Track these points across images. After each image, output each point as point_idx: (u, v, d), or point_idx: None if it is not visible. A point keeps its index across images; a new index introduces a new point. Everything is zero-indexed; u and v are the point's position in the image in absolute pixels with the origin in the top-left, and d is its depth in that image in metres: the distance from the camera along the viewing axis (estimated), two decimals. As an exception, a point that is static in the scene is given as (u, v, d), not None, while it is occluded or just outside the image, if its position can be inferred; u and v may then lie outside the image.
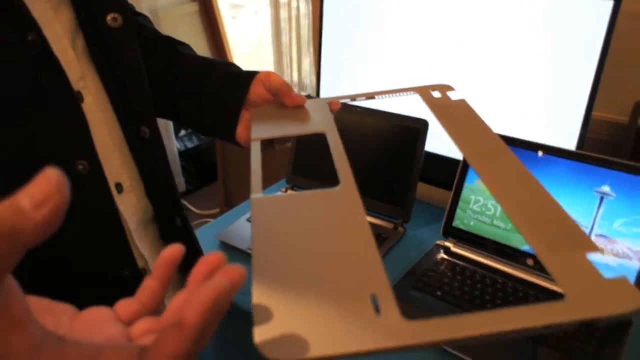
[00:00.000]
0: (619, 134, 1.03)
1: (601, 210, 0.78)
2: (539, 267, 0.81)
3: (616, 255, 0.77)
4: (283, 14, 2.03)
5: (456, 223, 0.91)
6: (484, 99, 0.96)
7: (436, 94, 0.54)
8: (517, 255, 0.84)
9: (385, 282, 0.32)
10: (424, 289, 0.82)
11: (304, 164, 1.10)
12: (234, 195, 2.11)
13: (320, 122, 0.55)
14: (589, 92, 0.85)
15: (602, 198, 0.78)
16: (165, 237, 0.65)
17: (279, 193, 1.07)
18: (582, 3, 0.84)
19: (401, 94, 0.57)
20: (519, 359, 0.70)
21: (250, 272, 0.33)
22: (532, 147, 0.84)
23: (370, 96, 0.58)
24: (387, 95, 0.57)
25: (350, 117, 1.02)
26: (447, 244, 0.91)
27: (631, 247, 0.75)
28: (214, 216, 1.10)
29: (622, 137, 0.99)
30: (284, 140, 0.56)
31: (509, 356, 0.70)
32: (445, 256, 0.89)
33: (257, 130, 0.54)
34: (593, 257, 0.32)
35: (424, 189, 1.01)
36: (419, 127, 0.94)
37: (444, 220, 0.92)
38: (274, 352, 0.28)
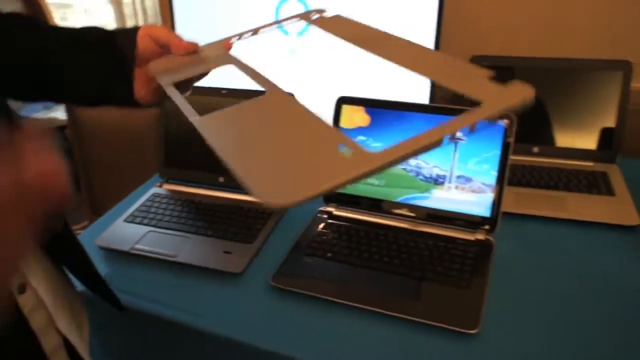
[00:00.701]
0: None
1: (457, 154, 0.88)
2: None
3: (475, 191, 0.87)
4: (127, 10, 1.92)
5: (335, 188, 0.96)
6: (347, 66, 1.01)
7: (315, 16, 0.61)
8: (392, 207, 0.91)
9: (343, 135, 0.39)
10: (315, 254, 0.85)
11: (177, 154, 1.08)
12: (101, 203, 1.98)
13: (221, 59, 0.57)
14: (433, 49, 0.94)
15: (455, 143, 0.88)
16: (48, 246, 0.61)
17: (145, 199, 1.03)
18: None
19: (285, 23, 0.64)
20: (405, 295, 0.76)
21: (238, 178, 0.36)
22: (397, 106, 0.91)
23: (255, 31, 0.64)
24: (272, 26, 0.64)
25: (215, 99, 1.01)
26: (329, 209, 0.96)
27: (485, 182, 0.86)
28: (84, 229, 1.03)
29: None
30: (189, 83, 0.57)
31: (396, 294, 0.76)
32: (329, 221, 0.93)
33: (163, 79, 0.55)
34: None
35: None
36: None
37: (323, 187, 0.96)
38: (273, 199, 0.32)
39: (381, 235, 0.88)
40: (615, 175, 1.01)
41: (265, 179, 0.36)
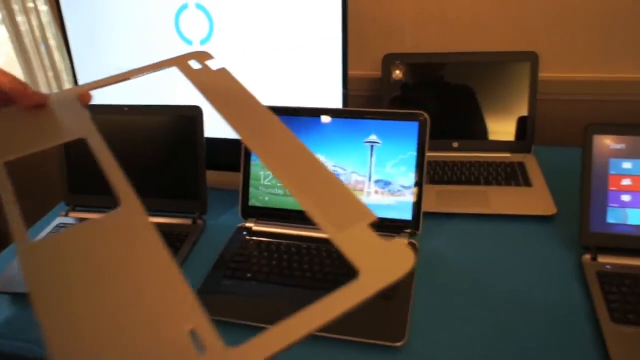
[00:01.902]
0: (375, 87, 1.14)
1: (373, 157, 0.85)
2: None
3: (394, 194, 0.84)
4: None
5: (252, 202, 0.91)
6: (255, 74, 0.96)
7: (195, 65, 0.51)
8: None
9: (198, 310, 0.30)
10: (234, 275, 0.80)
11: (82, 177, 0.99)
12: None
13: (74, 124, 0.46)
14: (341, 54, 0.91)
15: (372, 147, 0.85)
16: None
17: (50, 231, 0.94)
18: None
19: (157, 69, 0.53)
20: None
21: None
22: (307, 112, 0.87)
23: (124, 77, 0.52)
24: (143, 73, 0.52)
25: (118, 118, 0.94)
26: (247, 224, 0.91)
27: (403, 184, 0.84)
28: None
29: (378, 89, 1.09)
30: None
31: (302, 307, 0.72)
32: (248, 237, 0.88)
33: None
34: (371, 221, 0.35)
35: (214, 176, 0.99)
36: (194, 115, 0.90)
37: (239, 202, 0.91)
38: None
39: (303, 248, 0.84)
40: (532, 165, 1.02)
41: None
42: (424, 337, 0.69)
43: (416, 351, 0.67)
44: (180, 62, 0.52)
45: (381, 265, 0.32)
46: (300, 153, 0.41)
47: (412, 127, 0.83)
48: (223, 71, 0.50)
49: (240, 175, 0.90)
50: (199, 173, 0.92)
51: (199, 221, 0.94)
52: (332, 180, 0.38)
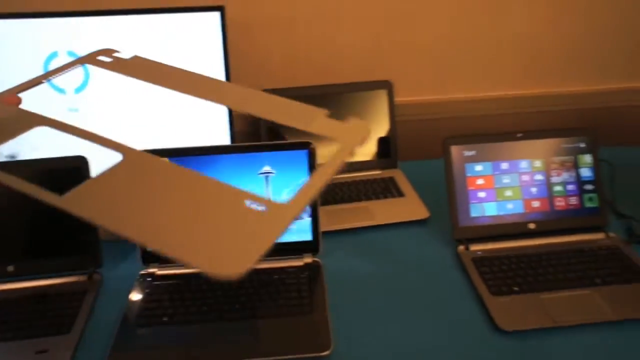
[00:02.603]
0: (257, 122, 1.20)
1: (269, 187, 0.90)
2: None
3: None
4: None
5: (153, 247, 0.89)
6: (137, 119, 0.96)
7: (106, 59, 0.54)
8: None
9: (244, 191, 0.38)
10: (149, 323, 0.78)
11: None
12: None
13: (22, 122, 0.46)
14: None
15: (267, 177, 0.90)
16: None
17: None
18: (194, 18, 0.93)
19: (70, 68, 0.54)
20: (253, 337, 0.75)
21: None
22: (199, 152, 0.89)
23: (39, 80, 0.52)
24: (57, 74, 0.53)
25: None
26: (150, 270, 0.89)
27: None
28: None
29: (259, 125, 1.15)
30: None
31: (244, 339, 0.75)
32: (155, 282, 0.87)
33: None
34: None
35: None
36: (79, 165, 0.87)
37: (138, 249, 0.89)
38: (228, 270, 0.31)
39: (213, 284, 0.85)
40: (401, 178, 1.16)
41: (204, 251, 0.34)
42: (347, 342, 0.75)
43: (343, 356, 0.73)
44: (90, 59, 0.54)
45: (350, 133, 0.45)
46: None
47: (302, 155, 0.90)
48: (138, 58, 0.54)
49: (137, 221, 0.89)
50: (89, 225, 0.88)
51: (96, 276, 0.90)
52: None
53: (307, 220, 0.90)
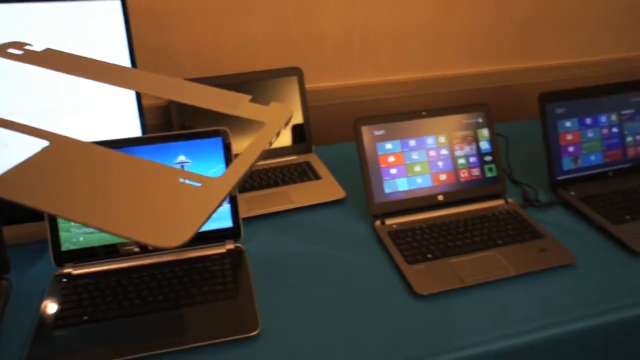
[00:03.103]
0: (166, 115, 1.18)
1: (187, 177, 0.90)
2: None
3: (213, 207, 0.91)
4: None
5: (66, 246, 0.86)
6: (47, 114, 0.91)
7: (17, 51, 0.53)
8: (129, 247, 0.88)
9: (177, 169, 0.41)
10: (67, 324, 0.75)
11: None
12: None
13: None
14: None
15: (182, 167, 0.90)
16: None
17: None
18: (95, 8, 0.89)
19: None
20: (179, 326, 0.75)
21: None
22: (110, 145, 0.86)
23: None
24: None
25: None
26: (65, 271, 0.85)
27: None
28: None
29: (169, 116, 1.13)
30: None
31: (170, 328, 0.75)
32: (71, 283, 0.83)
33: None
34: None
35: (13, 232, 0.90)
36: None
37: (50, 250, 0.85)
38: (170, 241, 0.34)
39: (134, 278, 0.84)
40: (316, 162, 1.19)
41: (146, 225, 0.36)
42: (275, 321, 0.77)
43: (272, 335, 0.74)
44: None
45: (275, 115, 0.49)
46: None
47: (217, 142, 0.90)
48: (50, 50, 0.53)
49: (46, 221, 0.85)
50: (-7, 230, 0.83)
51: (3, 282, 0.84)
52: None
53: (226, 207, 0.91)
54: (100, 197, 0.39)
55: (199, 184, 0.40)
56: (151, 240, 0.35)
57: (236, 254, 0.89)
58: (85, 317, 0.76)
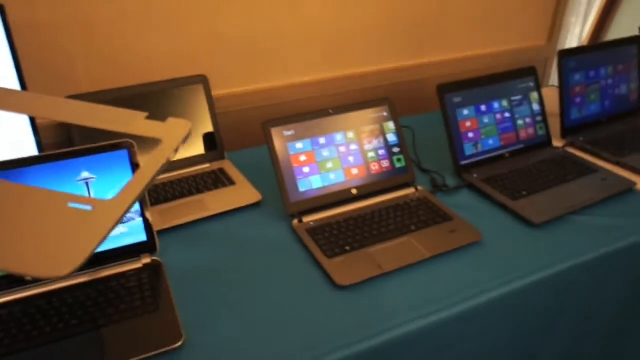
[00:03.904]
0: (65, 132, 1.12)
1: (92, 193, 0.86)
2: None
3: (125, 222, 0.87)
4: None
5: (-39, 281, 0.79)
6: None
7: None
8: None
9: (67, 194, 0.40)
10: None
11: None
12: None
13: None
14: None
15: (87, 183, 0.86)
16: None
17: None
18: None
19: None
20: (99, 349, 0.72)
21: None
22: (6, 166, 0.81)
23: None
24: None
25: None
26: (-37, 307, 0.79)
27: (136, 209, 0.87)
28: None
29: (70, 133, 1.08)
30: None
31: (90, 353, 0.71)
32: (-31, 320, 0.77)
33: None
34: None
35: None
36: None
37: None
38: (58, 270, 0.33)
39: (42, 306, 0.79)
40: (230, 168, 1.18)
41: (30, 257, 0.34)
42: (200, 330, 0.75)
43: (198, 343, 0.73)
44: None
45: (171, 131, 0.48)
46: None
47: (123, 155, 0.87)
48: None
49: None
50: None
51: None
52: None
53: (138, 221, 0.88)
54: None
55: (89, 208, 0.38)
56: (36, 272, 0.34)
57: (153, 268, 0.87)
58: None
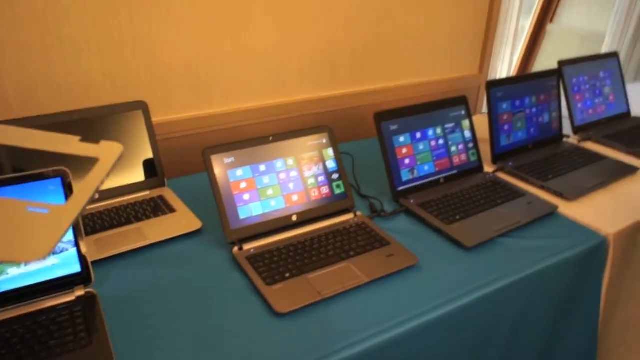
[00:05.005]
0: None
1: (22, 224, 0.83)
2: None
3: (56, 253, 0.84)
4: None
5: None
6: None
7: None
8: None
9: (25, 200, 0.44)
10: None
11: None
12: None
13: None
14: None
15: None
16: None
17: None
18: None
19: None
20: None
21: None
22: None
23: None
24: None
25: None
26: None
27: (63, 240, 0.85)
28: None
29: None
30: None
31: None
32: None
33: None
34: None
35: None
36: None
37: None
38: (33, 255, 0.38)
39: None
40: (170, 195, 1.17)
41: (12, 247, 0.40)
42: (133, 363, 0.73)
43: (131, 378, 0.71)
44: None
45: (105, 151, 0.52)
46: None
47: (57, 182, 0.85)
48: None
49: None
50: None
51: None
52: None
53: (72, 252, 0.85)
54: None
55: (46, 211, 0.43)
56: (15, 257, 0.40)
57: (87, 300, 0.84)
58: None
